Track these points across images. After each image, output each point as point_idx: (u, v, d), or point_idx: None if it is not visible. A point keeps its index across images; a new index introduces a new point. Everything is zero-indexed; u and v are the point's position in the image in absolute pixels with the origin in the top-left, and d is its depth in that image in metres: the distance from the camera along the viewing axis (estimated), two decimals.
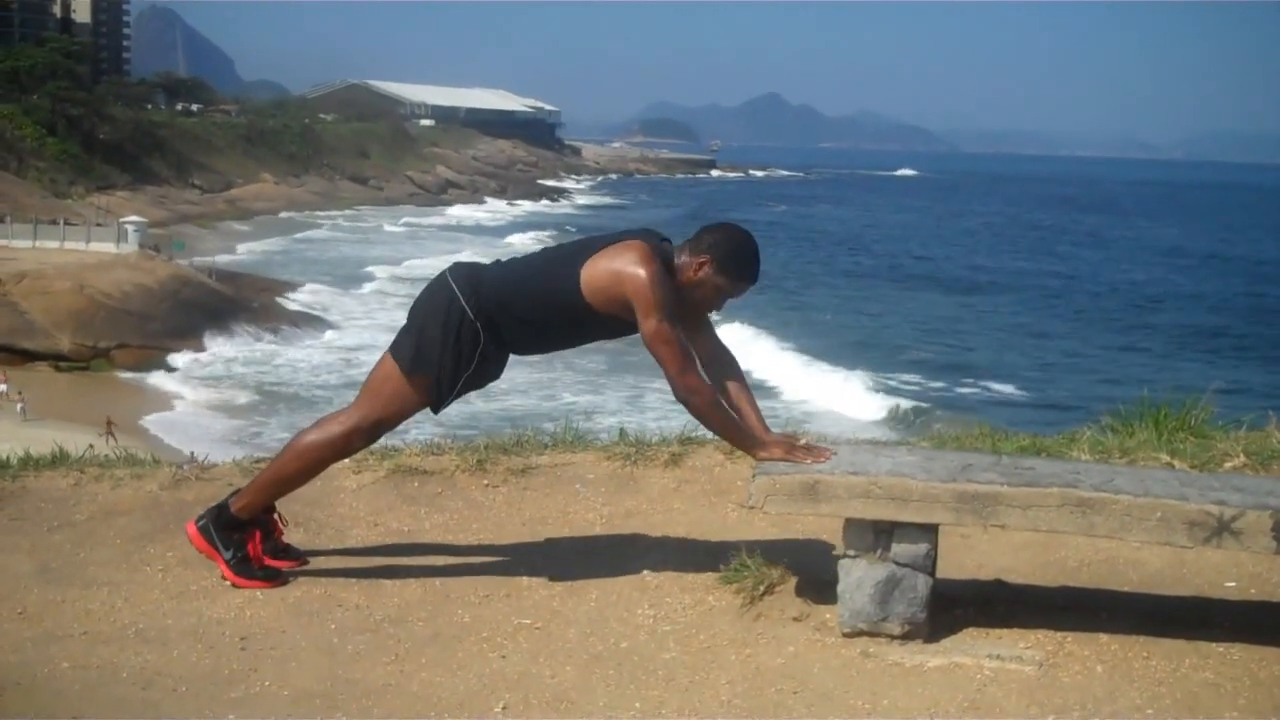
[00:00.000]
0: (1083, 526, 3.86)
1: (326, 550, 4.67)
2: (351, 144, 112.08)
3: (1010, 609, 4.15)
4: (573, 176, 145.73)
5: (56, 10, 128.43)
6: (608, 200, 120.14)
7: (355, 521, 4.96)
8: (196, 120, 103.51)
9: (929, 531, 3.96)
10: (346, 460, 5.22)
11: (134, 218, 58.47)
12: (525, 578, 4.47)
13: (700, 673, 3.80)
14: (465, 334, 4.18)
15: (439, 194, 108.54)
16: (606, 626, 4.12)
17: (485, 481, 5.30)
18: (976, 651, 3.92)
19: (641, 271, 4.05)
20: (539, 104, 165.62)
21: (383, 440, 4.77)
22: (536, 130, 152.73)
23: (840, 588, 4.00)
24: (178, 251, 54.49)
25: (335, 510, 4.98)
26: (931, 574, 3.99)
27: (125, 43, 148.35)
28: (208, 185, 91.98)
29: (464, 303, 4.18)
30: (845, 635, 4.00)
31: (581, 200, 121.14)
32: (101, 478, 5.11)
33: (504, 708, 3.57)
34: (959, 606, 4.17)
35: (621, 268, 4.07)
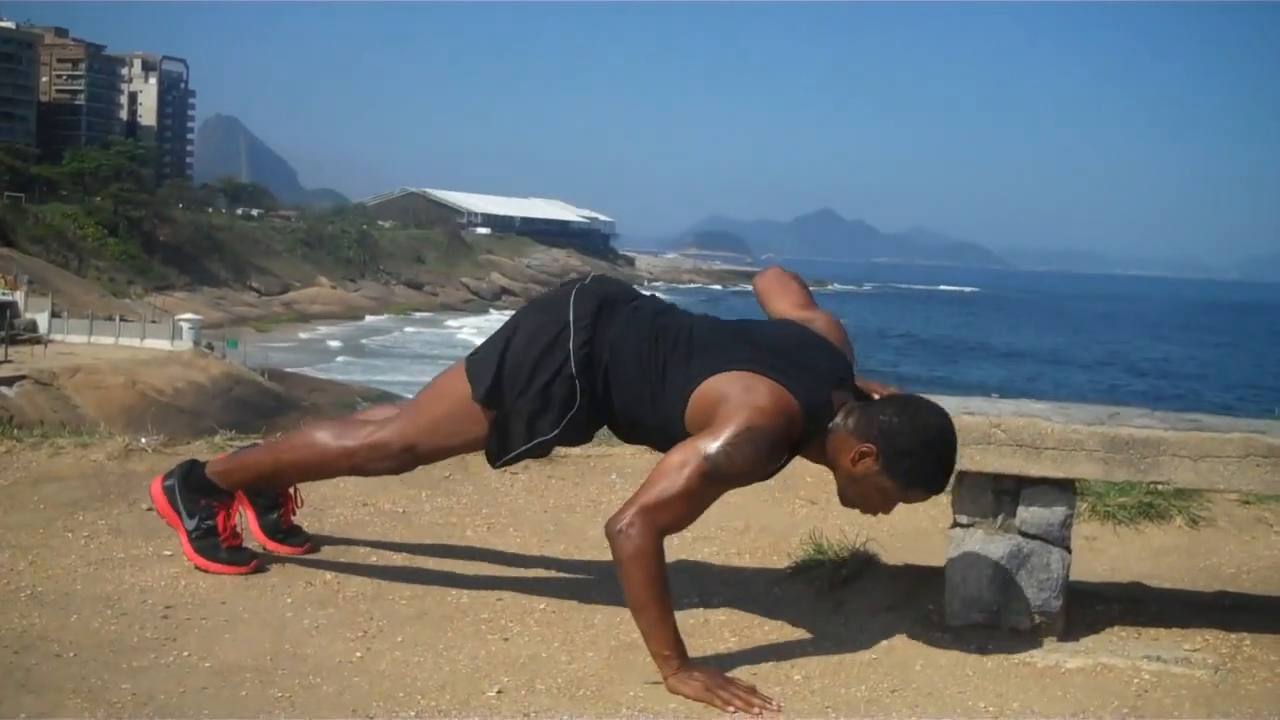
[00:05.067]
0: (1273, 484, 2.93)
1: None
2: (408, 250, 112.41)
3: (1164, 608, 3.23)
4: None
5: (123, 115, 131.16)
6: None
7: (339, 501, 4.06)
8: (256, 224, 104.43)
9: (1067, 491, 3.03)
10: None
11: (189, 315, 58.33)
12: (542, 565, 3.57)
13: (765, 665, 2.88)
14: (559, 384, 3.04)
15: (493, 300, 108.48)
16: None
17: None
18: (1129, 653, 3.00)
19: (750, 415, 2.83)
20: (595, 215, 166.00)
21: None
22: (592, 241, 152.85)
23: (949, 567, 3.07)
24: (231, 350, 54.17)
25: (315, 489, 4.05)
26: (1069, 549, 3.05)
27: (189, 148, 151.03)
28: (265, 288, 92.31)
29: (571, 344, 3.03)
30: (954, 628, 3.06)
31: None
32: (39, 446, 4.26)
33: (499, 692, 2.65)
34: (1099, 603, 3.23)
35: (732, 402, 2.87)
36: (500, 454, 3.14)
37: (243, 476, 3.43)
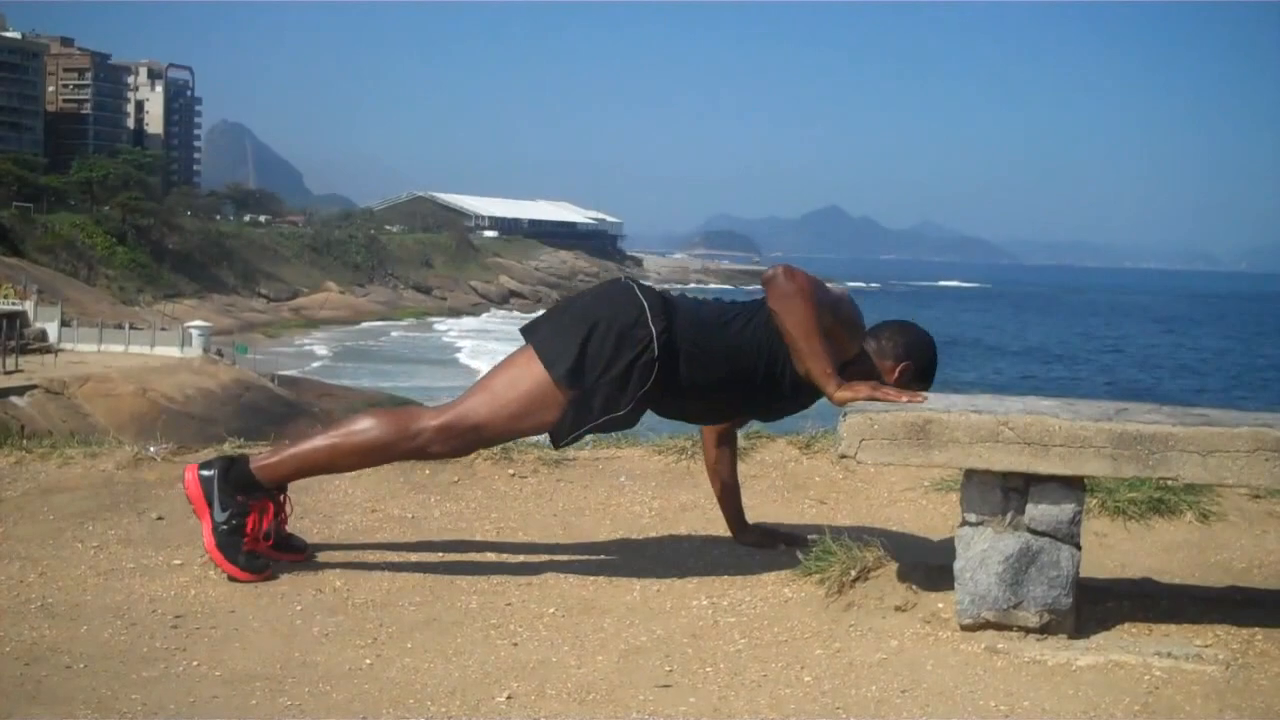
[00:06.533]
0: None
1: (306, 536, 3.73)
2: (416, 254, 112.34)
3: (1175, 603, 3.21)
4: None
5: (130, 123, 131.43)
6: None
7: (348, 508, 4.06)
8: (264, 230, 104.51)
9: (1075, 488, 3.02)
10: None
11: (198, 322, 58.37)
12: (551, 569, 3.56)
13: (775, 667, 2.87)
14: (641, 366, 3.37)
15: (501, 303, 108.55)
16: (652, 617, 3.20)
17: (511, 471, 4.41)
18: (1140, 649, 2.97)
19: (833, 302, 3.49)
20: (602, 216, 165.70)
21: None
22: (599, 242, 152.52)
23: (958, 566, 3.06)
24: (240, 356, 54.21)
25: (325, 496, 4.09)
26: (1078, 546, 3.04)
27: (196, 155, 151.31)
28: (274, 294, 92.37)
29: (653, 328, 3.39)
30: (964, 627, 3.05)
31: None
32: (49, 456, 4.27)
33: (509, 697, 2.65)
34: (1109, 599, 3.22)
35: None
36: (573, 429, 3.38)
37: (293, 468, 3.48)
